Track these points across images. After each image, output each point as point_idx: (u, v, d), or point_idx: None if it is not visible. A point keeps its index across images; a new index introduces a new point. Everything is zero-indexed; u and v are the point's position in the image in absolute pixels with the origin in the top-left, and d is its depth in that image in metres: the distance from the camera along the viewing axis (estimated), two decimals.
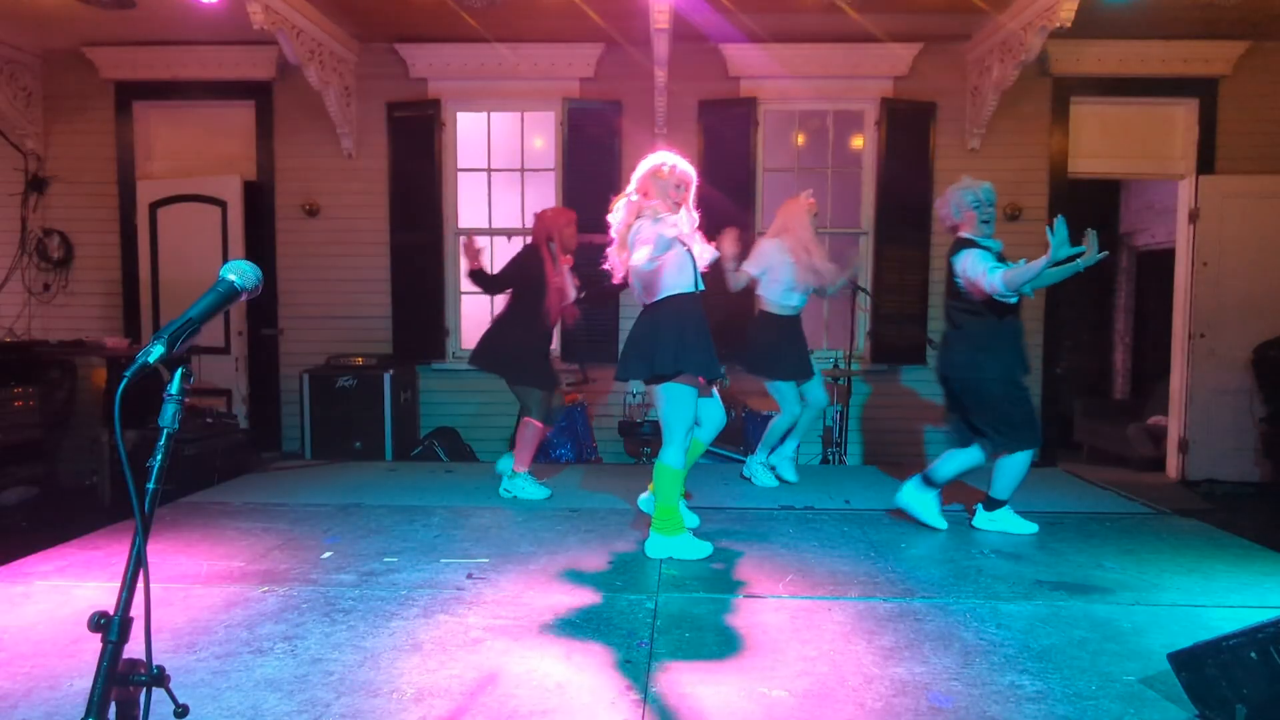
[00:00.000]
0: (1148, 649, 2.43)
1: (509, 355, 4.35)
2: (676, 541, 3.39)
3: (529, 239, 4.47)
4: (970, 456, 3.76)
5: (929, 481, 3.84)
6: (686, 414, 3.36)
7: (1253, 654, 1.89)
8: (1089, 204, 7.14)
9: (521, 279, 4.35)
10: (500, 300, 4.61)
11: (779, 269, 4.45)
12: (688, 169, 3.40)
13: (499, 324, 4.45)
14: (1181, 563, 3.32)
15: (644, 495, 3.85)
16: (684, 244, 3.37)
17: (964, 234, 3.67)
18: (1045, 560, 3.37)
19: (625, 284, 3.53)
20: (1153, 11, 5.32)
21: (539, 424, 4.34)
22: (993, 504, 3.80)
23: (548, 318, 4.34)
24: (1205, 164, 6.03)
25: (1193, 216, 5.79)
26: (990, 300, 3.53)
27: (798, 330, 4.62)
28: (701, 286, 3.45)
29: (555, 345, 5.72)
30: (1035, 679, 2.24)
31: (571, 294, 4.42)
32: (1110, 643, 2.50)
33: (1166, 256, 6.59)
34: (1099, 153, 6.19)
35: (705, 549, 3.39)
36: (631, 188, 3.41)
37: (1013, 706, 2.09)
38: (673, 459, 3.36)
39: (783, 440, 4.70)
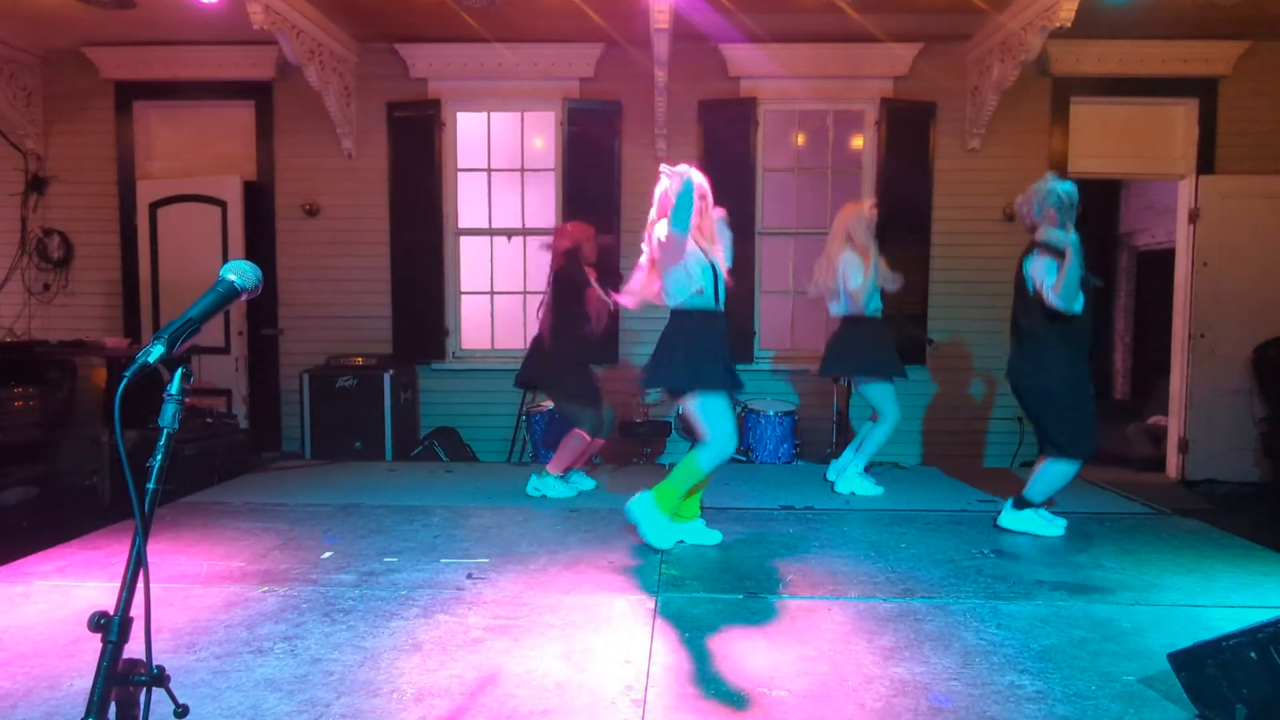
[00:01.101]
0: (1148, 649, 2.43)
1: (554, 374, 4.38)
2: (654, 518, 3.43)
3: (552, 265, 4.47)
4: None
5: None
6: (723, 420, 3.40)
7: (1253, 654, 1.89)
8: (1089, 204, 7.13)
9: (563, 298, 4.36)
10: (531, 317, 4.63)
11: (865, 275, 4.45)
12: (702, 183, 3.39)
13: (540, 343, 4.44)
14: (1181, 563, 3.32)
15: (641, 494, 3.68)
16: (705, 255, 3.40)
17: (1040, 236, 3.66)
18: (1045, 560, 3.37)
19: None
20: (1153, 11, 5.32)
21: (588, 437, 4.37)
22: (1022, 503, 3.76)
23: (587, 330, 4.37)
24: (1205, 164, 6.03)
25: (1193, 216, 5.79)
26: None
27: (887, 329, 4.64)
28: (721, 307, 3.47)
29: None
30: (1035, 679, 2.24)
31: (607, 303, 4.44)
32: (1110, 643, 2.50)
33: (1166, 256, 6.59)
34: (1099, 153, 6.19)
35: (666, 542, 3.44)
36: (653, 214, 3.47)
37: (1013, 706, 2.09)
38: (704, 460, 3.41)
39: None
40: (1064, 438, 3.62)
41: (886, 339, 4.55)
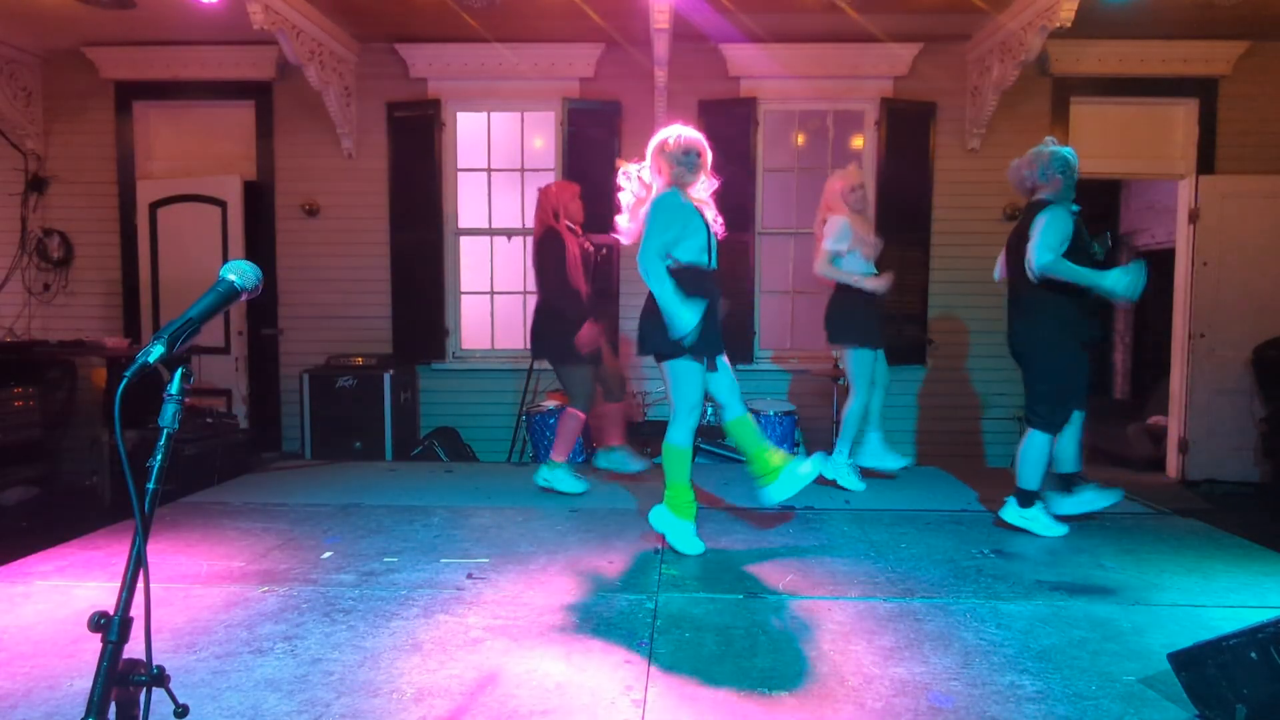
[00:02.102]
0: (1148, 649, 2.43)
1: (553, 338, 4.35)
2: (678, 526, 3.42)
3: (537, 225, 4.43)
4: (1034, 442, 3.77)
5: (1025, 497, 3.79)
6: (690, 391, 3.36)
7: (1253, 654, 1.89)
8: (1089, 204, 7.12)
9: (548, 263, 4.31)
10: (529, 288, 4.59)
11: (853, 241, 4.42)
12: (693, 135, 3.36)
13: (538, 312, 4.43)
14: (1181, 563, 3.31)
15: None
16: (700, 212, 3.37)
17: (1044, 195, 3.64)
18: (1045, 560, 3.37)
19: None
20: (1153, 11, 5.32)
21: (581, 414, 4.36)
22: (1025, 497, 3.73)
23: (580, 292, 4.31)
24: (1205, 164, 6.03)
25: (1193, 216, 5.79)
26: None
27: (874, 301, 4.56)
28: (714, 264, 3.43)
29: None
30: (1035, 679, 2.24)
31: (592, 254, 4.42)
32: (1110, 643, 2.50)
33: (1166, 256, 6.59)
34: (1099, 153, 6.19)
35: (697, 547, 3.41)
36: (646, 164, 3.43)
37: (1013, 706, 2.09)
38: (678, 438, 3.38)
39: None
40: (1039, 406, 3.65)
41: (868, 309, 4.47)
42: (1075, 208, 3.65)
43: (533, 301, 6.53)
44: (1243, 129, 6.04)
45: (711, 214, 3.47)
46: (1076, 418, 3.80)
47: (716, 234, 3.48)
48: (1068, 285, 3.52)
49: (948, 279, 6.19)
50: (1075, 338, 3.63)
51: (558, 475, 4.42)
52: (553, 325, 4.34)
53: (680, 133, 3.36)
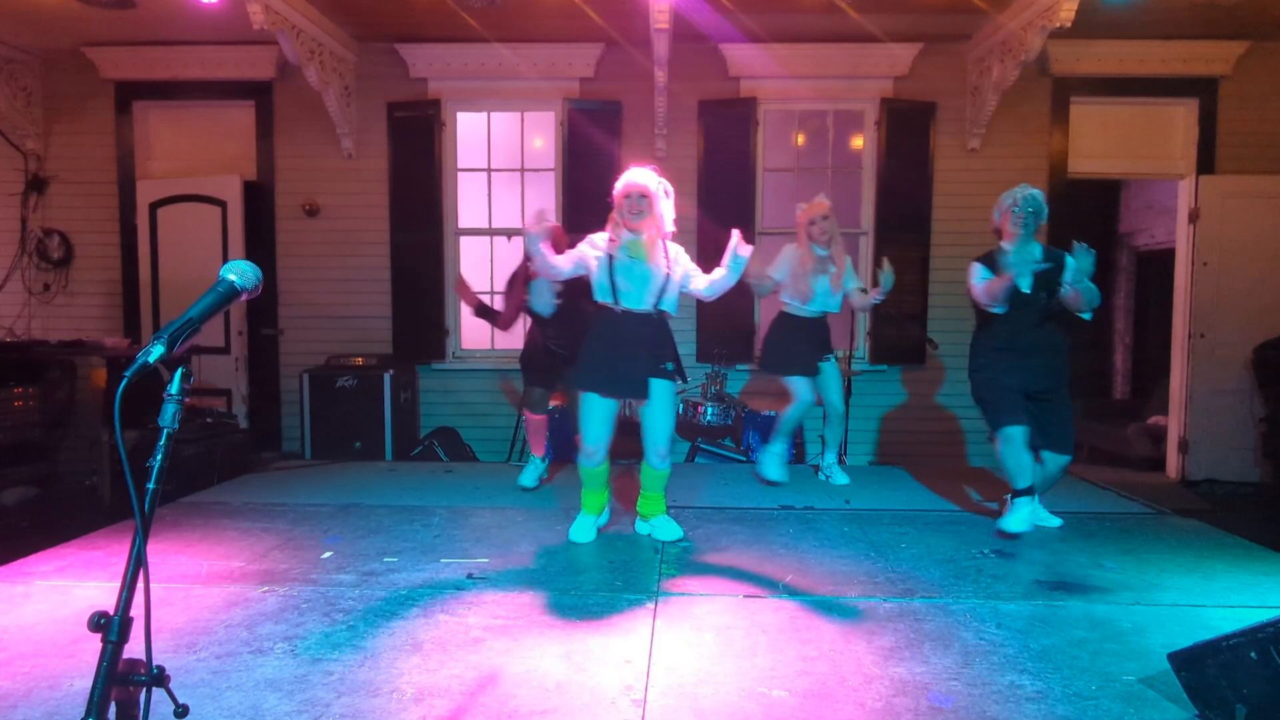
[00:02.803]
0: (1148, 649, 2.44)
1: (523, 357, 4.60)
2: (578, 518, 3.66)
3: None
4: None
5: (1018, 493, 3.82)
6: (587, 420, 3.52)
7: (1253, 654, 1.89)
8: (1089, 204, 7.13)
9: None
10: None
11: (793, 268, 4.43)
12: (631, 180, 3.42)
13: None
14: (1181, 563, 3.32)
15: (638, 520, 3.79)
16: (609, 255, 3.47)
17: (1003, 242, 3.77)
18: (1045, 560, 3.37)
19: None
20: (1153, 11, 5.32)
21: (529, 413, 4.56)
22: (1015, 494, 3.75)
23: (543, 326, 4.44)
24: (1205, 164, 6.03)
25: (1193, 216, 5.79)
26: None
27: (814, 333, 4.53)
28: (638, 306, 3.47)
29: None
30: (1035, 679, 2.24)
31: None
32: (1110, 643, 2.50)
33: (1166, 256, 6.59)
34: (1099, 153, 6.19)
35: (584, 536, 3.57)
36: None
37: (1013, 706, 2.09)
38: (580, 460, 3.62)
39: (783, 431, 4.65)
40: (986, 415, 3.83)
41: (797, 338, 4.48)
42: (1035, 250, 3.72)
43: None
44: (1243, 129, 6.03)
45: (675, 253, 3.54)
46: (1053, 461, 3.78)
47: (656, 271, 3.48)
48: (987, 316, 3.76)
49: (948, 279, 6.17)
50: (986, 365, 3.77)
51: (524, 470, 4.66)
52: (525, 347, 4.57)
53: (625, 178, 3.45)
